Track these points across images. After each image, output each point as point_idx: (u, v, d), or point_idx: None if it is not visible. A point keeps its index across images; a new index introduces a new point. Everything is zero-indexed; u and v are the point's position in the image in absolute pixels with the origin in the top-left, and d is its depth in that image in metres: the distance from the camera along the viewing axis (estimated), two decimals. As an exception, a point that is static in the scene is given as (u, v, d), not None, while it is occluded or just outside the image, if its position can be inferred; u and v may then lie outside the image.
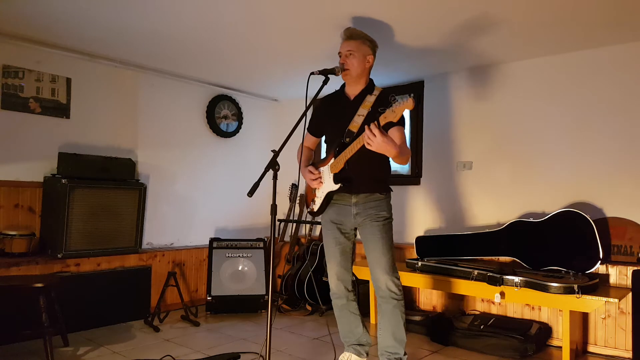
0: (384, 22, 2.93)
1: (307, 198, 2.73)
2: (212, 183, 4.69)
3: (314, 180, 2.62)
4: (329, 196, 2.59)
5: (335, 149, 2.52)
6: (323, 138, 2.82)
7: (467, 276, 3.24)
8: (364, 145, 2.30)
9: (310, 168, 2.65)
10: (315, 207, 2.66)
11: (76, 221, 3.46)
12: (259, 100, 5.10)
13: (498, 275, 3.08)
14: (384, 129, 2.25)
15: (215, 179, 4.72)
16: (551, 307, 3.29)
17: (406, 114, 4.17)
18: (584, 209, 3.23)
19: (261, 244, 4.29)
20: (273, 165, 2.22)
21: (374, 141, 2.20)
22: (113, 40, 3.40)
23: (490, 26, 2.95)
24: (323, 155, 2.78)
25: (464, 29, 2.99)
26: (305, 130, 2.71)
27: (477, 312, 3.63)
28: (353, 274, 2.77)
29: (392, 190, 2.66)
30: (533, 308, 3.43)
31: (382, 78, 4.13)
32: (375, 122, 2.21)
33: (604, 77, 3.30)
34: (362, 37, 2.56)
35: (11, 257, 3.22)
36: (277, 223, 4.76)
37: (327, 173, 2.59)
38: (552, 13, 2.74)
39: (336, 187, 2.52)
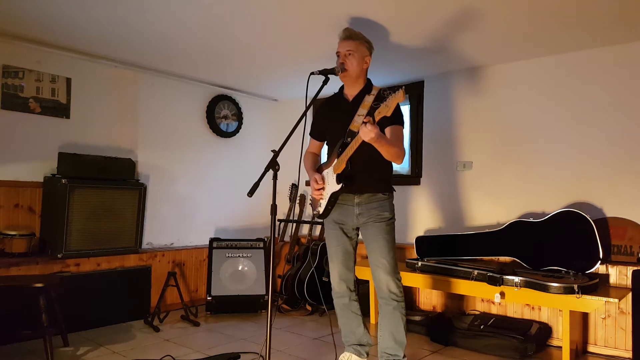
0: (383, 23, 2.93)
1: (314, 201, 2.73)
2: (212, 183, 4.69)
3: (316, 190, 2.62)
4: (333, 197, 2.58)
5: (338, 150, 2.52)
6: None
7: (467, 276, 3.24)
8: (364, 142, 2.31)
9: (317, 176, 2.63)
10: (321, 209, 2.64)
11: (76, 221, 3.45)
12: (259, 100, 5.10)
13: (498, 275, 3.08)
14: (380, 123, 2.28)
15: (215, 179, 4.71)
16: (551, 307, 3.29)
17: (406, 114, 4.23)
18: (584, 209, 3.23)
19: (261, 244, 4.29)
20: (273, 165, 2.22)
21: (367, 133, 2.22)
22: (113, 40, 3.40)
23: (490, 26, 2.95)
24: (324, 160, 2.77)
25: (462, 29, 2.99)
26: (308, 137, 2.70)
27: (477, 312, 3.63)
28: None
29: (394, 190, 2.67)
30: (533, 308, 3.43)
31: (383, 78, 4.13)
32: (370, 117, 2.25)
33: (604, 77, 3.29)
34: (360, 37, 2.57)
35: (11, 257, 3.22)
36: (277, 223, 4.75)
37: (331, 175, 2.58)
38: (552, 13, 2.74)
39: (338, 187, 2.52)
